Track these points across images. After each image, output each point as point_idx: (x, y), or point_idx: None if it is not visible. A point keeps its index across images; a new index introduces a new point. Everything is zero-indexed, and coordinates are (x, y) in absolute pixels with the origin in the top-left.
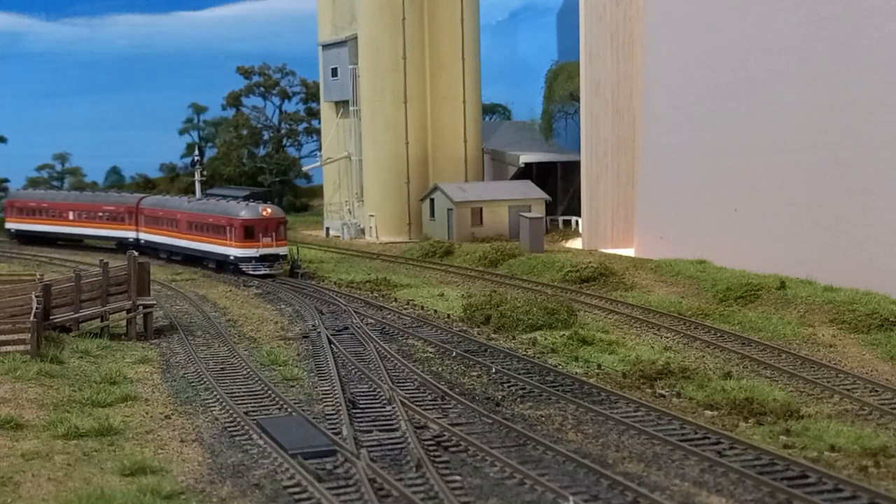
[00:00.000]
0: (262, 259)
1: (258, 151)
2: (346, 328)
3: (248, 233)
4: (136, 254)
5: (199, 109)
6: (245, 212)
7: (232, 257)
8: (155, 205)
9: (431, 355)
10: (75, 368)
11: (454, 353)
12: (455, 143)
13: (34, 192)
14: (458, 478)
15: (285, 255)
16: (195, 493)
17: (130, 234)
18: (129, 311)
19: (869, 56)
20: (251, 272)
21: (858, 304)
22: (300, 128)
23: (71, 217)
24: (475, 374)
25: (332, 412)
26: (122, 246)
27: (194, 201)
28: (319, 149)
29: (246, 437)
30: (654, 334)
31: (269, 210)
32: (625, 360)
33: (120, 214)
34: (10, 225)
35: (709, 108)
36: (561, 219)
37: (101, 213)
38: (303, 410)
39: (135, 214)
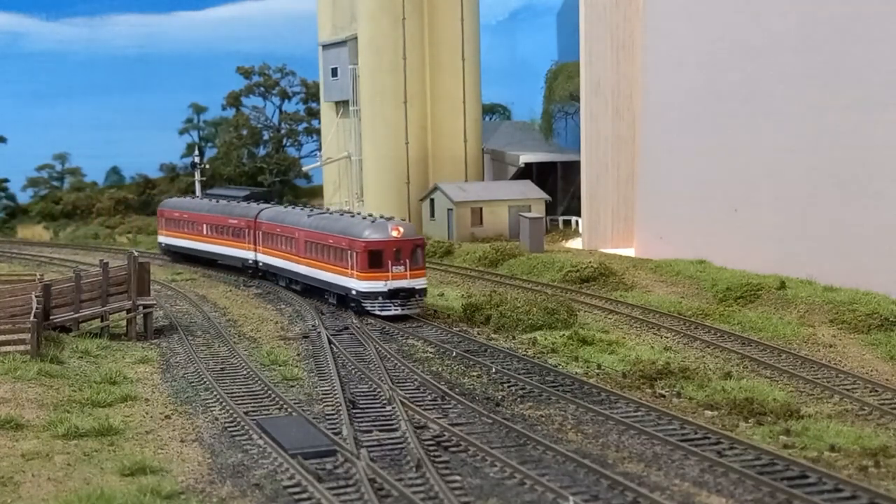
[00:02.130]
0: (393, 295)
1: (258, 151)
2: (346, 328)
3: (374, 259)
4: (135, 253)
5: (199, 109)
6: (370, 231)
7: (353, 292)
8: (273, 218)
9: (431, 355)
10: (75, 368)
11: (454, 353)
12: (455, 143)
13: (181, 201)
14: (457, 478)
15: (424, 290)
16: (195, 493)
17: (249, 255)
18: (129, 311)
19: (869, 56)
20: (378, 312)
21: (858, 304)
22: (300, 128)
23: (205, 231)
24: (475, 374)
25: (332, 412)
26: (244, 269)
27: (315, 215)
28: (319, 149)
29: (246, 437)
30: (654, 334)
31: (400, 229)
32: (625, 360)
33: (241, 230)
34: (161, 238)
35: (709, 109)
36: (561, 219)
37: (227, 227)
38: (303, 410)
39: (253, 230)
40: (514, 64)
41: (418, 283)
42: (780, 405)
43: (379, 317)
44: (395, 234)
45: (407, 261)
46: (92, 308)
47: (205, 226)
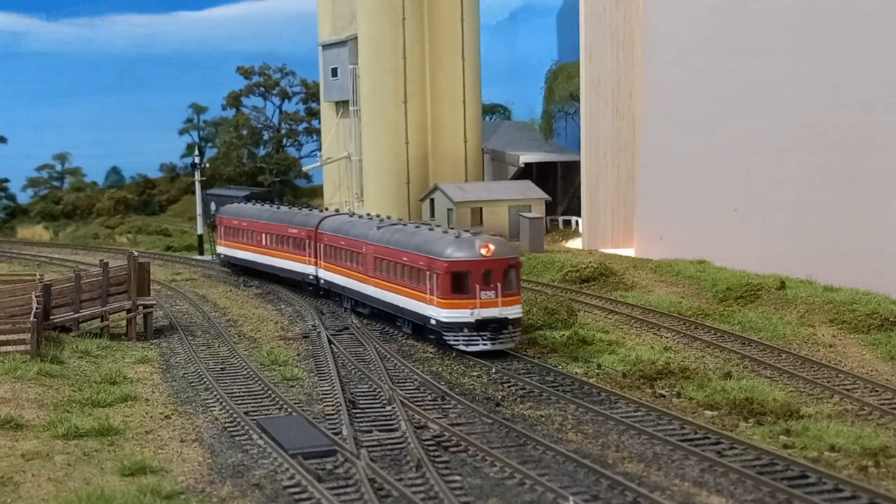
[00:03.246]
0: (481, 326)
1: (258, 151)
2: (346, 328)
3: (458, 283)
4: (135, 253)
5: (199, 109)
6: (454, 248)
7: (432, 321)
8: (337, 229)
9: (431, 355)
10: (75, 368)
11: (454, 353)
12: (455, 143)
13: (240, 207)
14: (457, 478)
15: (518, 320)
16: (195, 493)
17: (309, 270)
18: (129, 311)
19: (868, 56)
20: (463, 348)
21: (858, 304)
22: (300, 128)
23: (264, 242)
24: (475, 374)
25: (332, 412)
26: (304, 285)
27: (386, 226)
28: (319, 149)
29: (246, 437)
30: (654, 334)
31: (491, 246)
32: (625, 360)
33: (301, 241)
34: (220, 248)
35: (709, 109)
36: (561, 219)
37: (286, 238)
38: (303, 410)
39: (313, 241)
40: (514, 64)
41: (512, 311)
42: (780, 405)
43: (464, 353)
44: (484, 251)
45: (498, 284)
46: (92, 308)
47: (264, 236)
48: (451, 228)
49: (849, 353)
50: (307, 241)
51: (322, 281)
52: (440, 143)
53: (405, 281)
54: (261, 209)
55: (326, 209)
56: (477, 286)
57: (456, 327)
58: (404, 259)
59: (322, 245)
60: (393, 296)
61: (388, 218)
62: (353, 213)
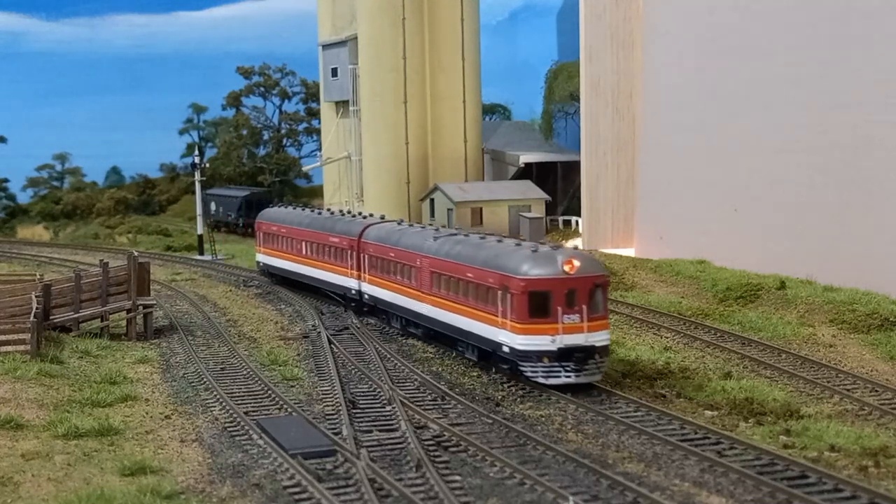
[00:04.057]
0: (564, 356)
1: (258, 151)
2: (346, 328)
3: (537, 304)
4: (135, 253)
5: (199, 109)
6: (531, 264)
7: (505, 349)
8: (384, 239)
9: (431, 355)
10: (75, 368)
11: (454, 353)
12: (455, 143)
13: (279, 212)
14: (457, 478)
15: (606, 348)
16: (195, 493)
17: (351, 284)
18: (129, 311)
19: (868, 56)
20: (542, 380)
21: (858, 304)
22: (300, 128)
23: (304, 250)
24: (475, 374)
25: (332, 412)
26: (346, 300)
27: (445, 236)
28: (319, 149)
29: (246, 437)
30: (654, 334)
31: (575, 262)
32: (625, 360)
33: (342, 251)
34: (259, 256)
35: (709, 108)
36: (561, 219)
37: (327, 247)
38: (303, 410)
39: (356, 252)
40: (514, 64)
41: (599, 338)
42: (780, 405)
43: (544, 386)
44: (567, 268)
45: (584, 307)
46: (92, 308)
47: (304, 244)
48: (524, 240)
49: (849, 353)
50: (349, 252)
51: (366, 296)
52: (440, 143)
53: (470, 300)
54: (300, 214)
55: (371, 215)
56: (559, 309)
57: (534, 356)
58: (470, 275)
59: (367, 256)
60: (454, 317)
61: (445, 227)
62: (402, 221)
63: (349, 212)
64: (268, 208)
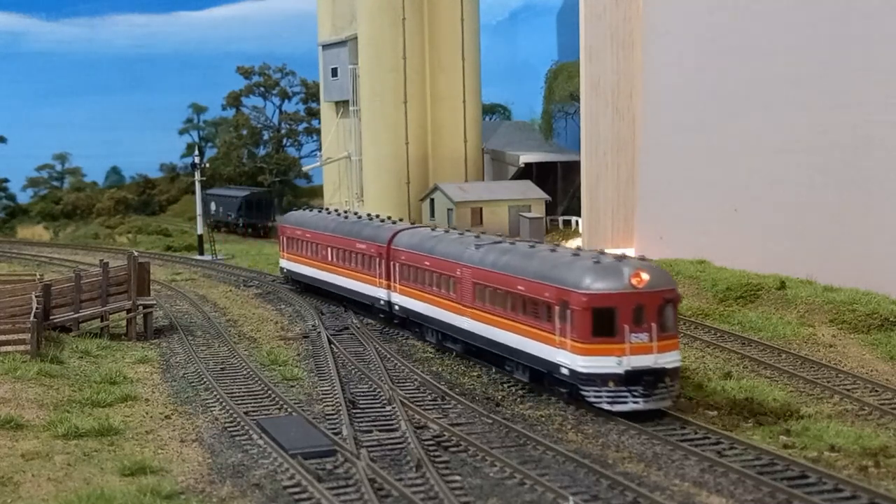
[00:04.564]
0: (632, 379)
1: (258, 151)
2: (346, 328)
3: (602, 322)
4: (135, 253)
5: (199, 109)
6: (594, 277)
7: (564, 370)
8: (417, 246)
9: (431, 355)
10: (75, 368)
11: (454, 353)
12: (455, 143)
13: (303, 216)
14: (457, 478)
15: (676, 370)
16: (195, 493)
17: (380, 294)
18: (129, 311)
19: (868, 56)
20: (607, 406)
21: (858, 304)
22: (300, 128)
23: (329, 257)
24: (475, 374)
25: (332, 412)
26: (374, 311)
27: (488, 244)
28: (319, 149)
29: (246, 437)
30: None
31: (643, 275)
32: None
33: (369, 258)
34: (282, 262)
35: (709, 108)
36: (561, 219)
37: (354, 254)
38: (303, 410)
39: (385, 259)
40: (514, 64)
41: (669, 359)
42: (780, 405)
43: (610, 413)
44: (635, 282)
45: (653, 325)
46: (92, 308)
47: (329, 250)
48: (582, 249)
49: (849, 353)
50: (378, 259)
51: (396, 307)
52: (440, 143)
53: (521, 316)
54: (326, 218)
55: (401, 220)
56: (626, 327)
57: (598, 380)
58: (520, 288)
59: (397, 264)
60: (502, 333)
61: (484, 234)
62: (436, 226)
63: (377, 216)
64: (292, 211)
